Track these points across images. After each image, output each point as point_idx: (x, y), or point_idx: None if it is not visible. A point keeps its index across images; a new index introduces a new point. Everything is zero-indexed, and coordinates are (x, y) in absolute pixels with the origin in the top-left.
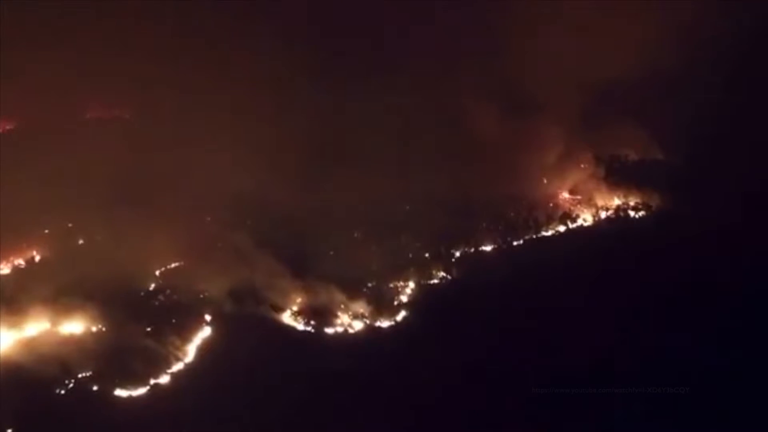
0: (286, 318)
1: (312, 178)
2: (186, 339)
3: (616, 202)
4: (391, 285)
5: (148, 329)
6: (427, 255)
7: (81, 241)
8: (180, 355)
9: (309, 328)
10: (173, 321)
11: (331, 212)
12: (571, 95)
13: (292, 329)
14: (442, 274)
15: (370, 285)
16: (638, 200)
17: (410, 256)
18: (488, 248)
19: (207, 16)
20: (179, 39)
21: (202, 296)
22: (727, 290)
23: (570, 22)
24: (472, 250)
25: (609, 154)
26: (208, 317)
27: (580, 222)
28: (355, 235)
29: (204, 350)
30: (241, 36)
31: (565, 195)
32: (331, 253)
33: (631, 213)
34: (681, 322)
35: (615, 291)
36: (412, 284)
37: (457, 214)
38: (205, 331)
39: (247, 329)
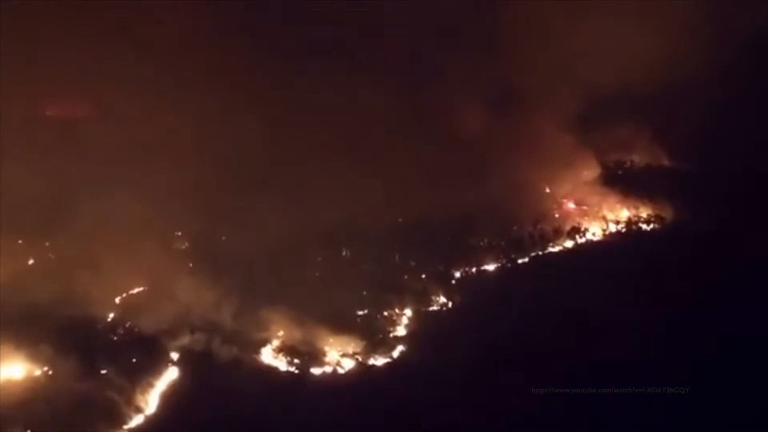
0: (266, 356)
1: (291, 189)
2: (148, 384)
3: (626, 213)
4: (386, 313)
5: (104, 371)
6: (424, 276)
7: (31, 261)
8: (141, 405)
9: (292, 369)
10: (133, 361)
11: (315, 228)
12: (570, 99)
13: (273, 370)
14: (442, 299)
15: (361, 314)
16: (650, 212)
17: (406, 278)
18: (491, 267)
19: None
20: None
21: (167, 329)
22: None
23: (572, 24)
24: (474, 270)
25: (613, 159)
26: (174, 355)
27: (588, 236)
28: (344, 253)
29: (169, 397)
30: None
31: (571, 205)
32: (317, 275)
33: (643, 226)
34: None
35: (630, 314)
36: (409, 312)
37: (455, 228)
38: (171, 373)
39: (221, 370)
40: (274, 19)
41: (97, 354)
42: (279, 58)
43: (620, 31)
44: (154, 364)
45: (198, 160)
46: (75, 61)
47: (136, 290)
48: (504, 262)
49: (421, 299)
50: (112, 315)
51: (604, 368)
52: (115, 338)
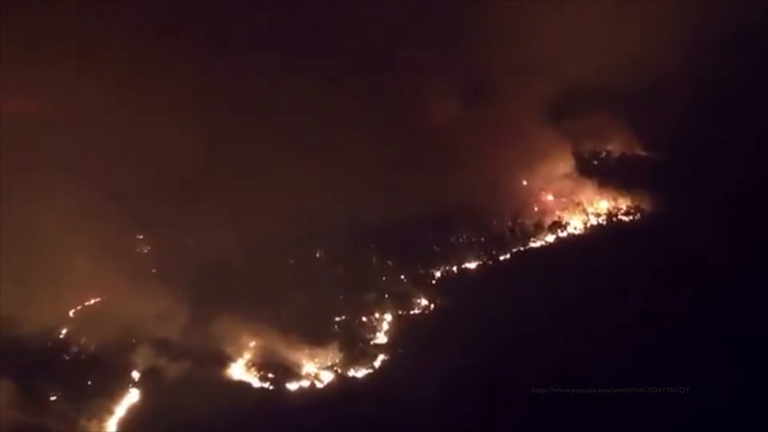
0: (238, 372)
1: (261, 188)
2: (106, 410)
3: (605, 204)
4: (364, 319)
5: (53, 398)
6: (403, 278)
7: None
8: None
9: (266, 385)
10: (89, 383)
11: (287, 229)
12: (543, 89)
13: (246, 387)
14: (423, 302)
15: (338, 320)
16: (629, 203)
17: (384, 279)
18: (472, 266)
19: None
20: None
21: (128, 345)
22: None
23: (545, 12)
24: (455, 269)
25: (588, 150)
26: (135, 375)
27: (570, 230)
28: (318, 255)
29: (130, 425)
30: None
31: (549, 198)
32: (289, 279)
33: (624, 218)
34: (687, 333)
35: (617, 307)
36: (389, 317)
37: (432, 226)
38: (132, 396)
39: (188, 390)
40: (223, 10)
41: (45, 377)
42: (240, 54)
43: (594, 20)
44: (112, 386)
45: (159, 158)
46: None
47: (92, 301)
48: (485, 259)
49: (401, 302)
50: (64, 331)
51: (598, 367)
52: (68, 358)
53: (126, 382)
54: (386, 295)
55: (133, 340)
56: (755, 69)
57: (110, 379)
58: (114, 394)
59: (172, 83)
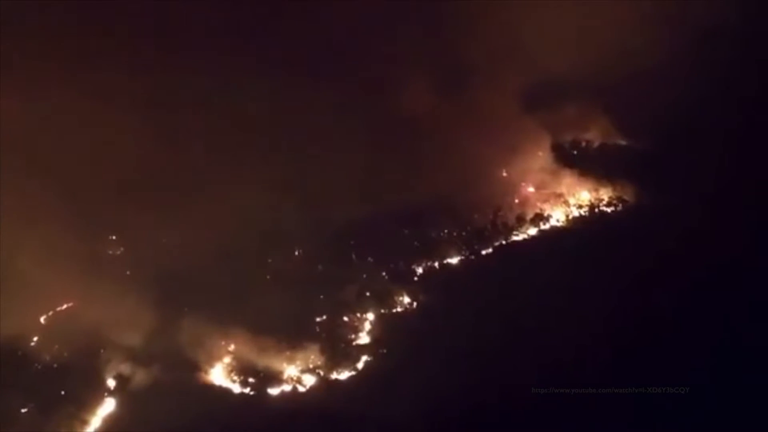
0: (217, 377)
1: (237, 185)
2: (81, 420)
3: (586, 195)
4: (346, 319)
5: (24, 410)
6: (384, 275)
7: None
8: None
9: (247, 390)
10: (62, 393)
11: (264, 226)
12: (521, 78)
13: (226, 393)
14: (405, 299)
15: (319, 321)
16: (611, 194)
17: (365, 277)
18: (454, 261)
19: None
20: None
21: (103, 352)
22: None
23: (519, 1)
24: (436, 264)
25: (568, 140)
26: (111, 383)
27: (552, 222)
28: (296, 253)
29: None
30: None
31: (530, 189)
32: (268, 278)
33: (606, 209)
34: (672, 325)
35: (602, 301)
36: (371, 316)
37: (412, 220)
38: (108, 406)
39: (166, 398)
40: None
41: (16, 388)
42: (209, 54)
43: (572, 10)
44: (86, 395)
45: (129, 160)
46: None
47: (64, 306)
48: (467, 254)
49: (382, 300)
50: (35, 338)
51: (584, 361)
52: (39, 366)
53: (101, 391)
54: (367, 293)
55: (108, 347)
56: (735, 59)
57: (84, 388)
58: (88, 403)
59: (141, 85)
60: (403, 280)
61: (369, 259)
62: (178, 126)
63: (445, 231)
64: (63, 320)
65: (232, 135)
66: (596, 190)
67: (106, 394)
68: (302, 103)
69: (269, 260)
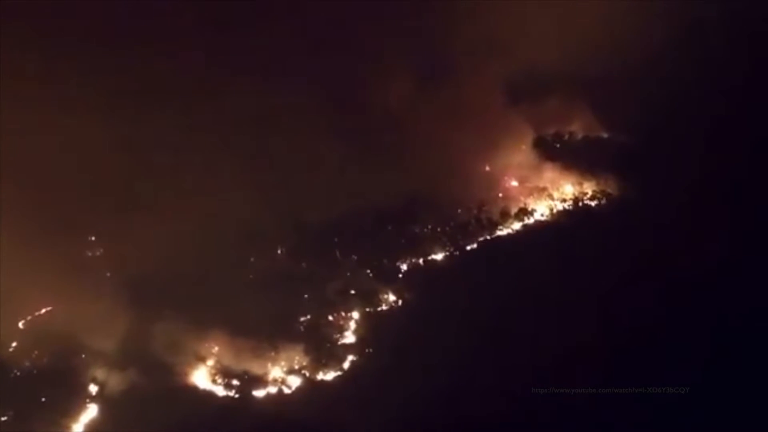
0: (201, 381)
1: (218, 183)
2: (63, 427)
3: (570, 189)
4: (330, 318)
5: (4, 418)
6: (369, 272)
7: None
8: None
9: (231, 393)
10: (43, 400)
11: (246, 225)
12: (503, 71)
13: (210, 396)
14: (391, 297)
15: (303, 321)
16: (594, 187)
17: (349, 275)
18: (439, 257)
19: None
20: None
21: (84, 357)
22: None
23: None
24: (421, 261)
25: (551, 133)
26: (93, 389)
27: (537, 216)
28: (279, 252)
29: None
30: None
31: (514, 183)
32: (251, 277)
33: (590, 203)
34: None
35: (588, 295)
36: (356, 315)
37: (396, 216)
38: (91, 411)
39: (150, 403)
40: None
41: None
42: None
43: (554, 1)
44: (69, 402)
45: (111, 153)
46: None
47: (43, 311)
48: (452, 250)
49: (368, 299)
50: (14, 344)
51: (572, 358)
52: (18, 373)
53: (83, 397)
54: (352, 292)
55: (89, 351)
56: (718, 53)
57: (66, 394)
58: (70, 410)
59: (117, 85)
60: (388, 278)
61: (353, 256)
62: (157, 126)
63: (429, 227)
64: (42, 325)
65: (213, 134)
66: (580, 184)
67: (88, 399)
68: (283, 101)
69: (252, 259)
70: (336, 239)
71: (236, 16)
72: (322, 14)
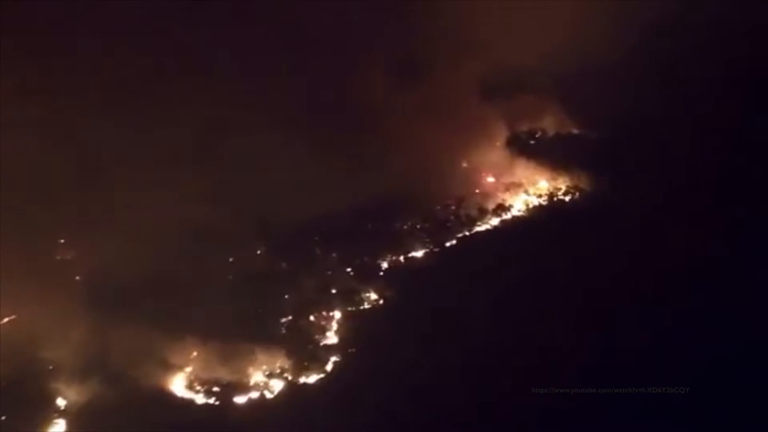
0: (178, 389)
1: (195, 183)
2: None
3: (544, 184)
4: (312, 319)
5: None
6: (349, 270)
7: None
8: None
9: (211, 400)
10: (3, 418)
11: (224, 225)
12: (477, 68)
13: (188, 405)
14: (372, 295)
15: (284, 322)
16: (568, 183)
17: (329, 274)
18: (419, 254)
19: None
20: None
21: (52, 369)
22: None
23: None
24: (402, 258)
25: (525, 129)
26: (61, 403)
27: (514, 212)
28: (258, 252)
29: None
30: None
31: (490, 179)
32: (230, 278)
33: (564, 198)
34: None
35: (566, 290)
36: (337, 314)
37: (374, 213)
38: (59, 427)
39: (124, 415)
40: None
41: None
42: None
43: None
44: (35, 418)
45: (86, 150)
46: None
47: (5, 320)
48: (432, 246)
49: (349, 298)
50: None
51: (552, 353)
52: None
53: (50, 412)
54: (333, 291)
55: (57, 363)
56: (689, 50)
57: (32, 409)
58: (37, 427)
59: (77, 84)
60: (369, 276)
61: (333, 255)
62: (126, 126)
63: (409, 224)
64: (5, 336)
65: (187, 133)
66: (554, 179)
67: (56, 415)
68: (260, 100)
69: (230, 260)
70: (316, 238)
71: (202, 13)
72: (297, 12)
